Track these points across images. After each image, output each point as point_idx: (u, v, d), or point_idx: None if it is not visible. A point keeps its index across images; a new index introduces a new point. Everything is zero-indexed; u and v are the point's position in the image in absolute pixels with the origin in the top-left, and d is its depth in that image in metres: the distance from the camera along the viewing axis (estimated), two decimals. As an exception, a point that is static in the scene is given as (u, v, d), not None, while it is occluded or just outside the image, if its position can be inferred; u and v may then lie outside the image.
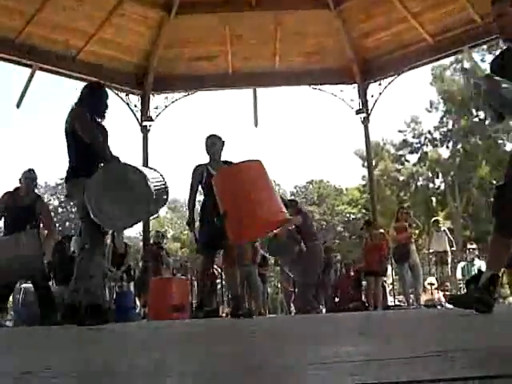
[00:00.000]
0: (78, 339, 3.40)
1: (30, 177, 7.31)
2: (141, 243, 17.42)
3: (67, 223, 40.19)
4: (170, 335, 3.48)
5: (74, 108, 5.20)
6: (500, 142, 31.45)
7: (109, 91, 12.12)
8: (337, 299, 11.61)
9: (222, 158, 6.72)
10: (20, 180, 7.25)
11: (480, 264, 12.56)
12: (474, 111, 32.07)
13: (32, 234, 6.76)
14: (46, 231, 7.46)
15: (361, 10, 11.99)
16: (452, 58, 28.75)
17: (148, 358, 1.73)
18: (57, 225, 36.53)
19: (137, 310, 10.98)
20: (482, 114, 32.11)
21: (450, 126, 32.70)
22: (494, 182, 29.73)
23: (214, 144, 6.68)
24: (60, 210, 42.11)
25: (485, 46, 27.79)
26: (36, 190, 7.64)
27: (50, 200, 41.65)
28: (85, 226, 5.14)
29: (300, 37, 12.46)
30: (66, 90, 72.57)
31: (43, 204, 7.63)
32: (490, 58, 30.72)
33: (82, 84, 12.07)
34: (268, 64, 12.84)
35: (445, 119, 32.80)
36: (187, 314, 9.25)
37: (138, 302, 11.26)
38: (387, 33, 12.16)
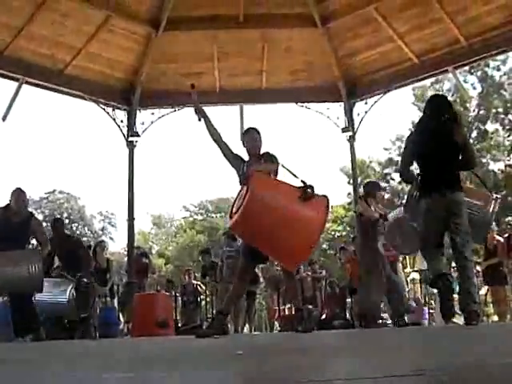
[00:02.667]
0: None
1: (21, 194, 7.34)
2: (125, 258, 17.38)
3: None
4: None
5: None
6: (484, 160, 31.66)
7: (95, 106, 12.26)
8: (322, 316, 11.60)
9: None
10: (10, 198, 7.24)
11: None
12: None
13: (37, 252, 6.91)
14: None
15: (348, 29, 12.10)
16: (433, 79, 29.03)
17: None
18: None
19: (120, 326, 10.91)
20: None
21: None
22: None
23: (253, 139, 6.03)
24: (44, 224, 41.78)
25: (466, 67, 28.16)
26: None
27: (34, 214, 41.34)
28: None
29: (287, 54, 12.54)
30: (53, 104, 72.57)
31: (37, 221, 7.63)
32: (472, 78, 31.14)
33: (70, 98, 12.19)
34: (255, 81, 12.89)
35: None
36: (171, 330, 9.21)
37: (121, 318, 11.20)
38: (373, 52, 12.27)
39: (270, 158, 5.71)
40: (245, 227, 5.27)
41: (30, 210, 7.68)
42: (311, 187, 5.22)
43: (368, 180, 7.81)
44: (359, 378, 1.47)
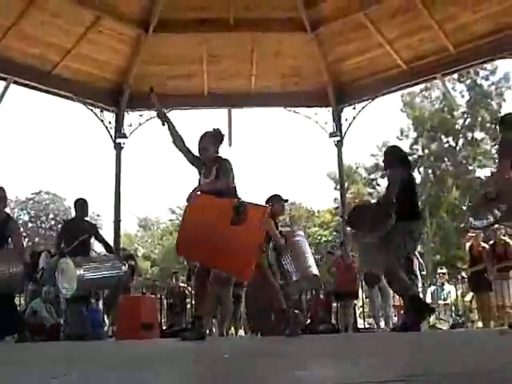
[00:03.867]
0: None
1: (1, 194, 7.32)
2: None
3: (37, 238, 39.68)
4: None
5: None
6: (470, 168, 31.89)
7: (83, 107, 12.22)
8: (307, 321, 11.60)
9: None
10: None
11: (449, 289, 12.68)
12: (443, 137, 32.54)
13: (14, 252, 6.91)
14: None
15: (337, 35, 12.13)
16: (422, 86, 29.22)
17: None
18: (26, 239, 36.15)
19: (105, 328, 10.86)
20: (452, 141, 32.60)
21: (420, 152, 33.09)
22: (464, 207, 30.13)
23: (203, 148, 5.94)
24: (30, 224, 41.56)
25: (455, 75, 28.38)
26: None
27: (20, 215, 41.16)
28: None
29: (276, 59, 12.55)
30: (40, 105, 72.26)
31: (15, 224, 7.52)
32: (460, 86, 31.34)
33: (57, 99, 12.13)
34: (244, 85, 12.90)
35: (416, 145, 33.20)
36: (156, 333, 9.18)
37: (106, 320, 11.15)
38: (362, 58, 12.31)
39: (224, 167, 5.66)
40: (187, 253, 5.64)
41: (7, 211, 7.51)
42: (241, 209, 5.25)
43: (271, 195, 7.84)
44: (346, 383, 1.47)
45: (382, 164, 7.31)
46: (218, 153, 5.86)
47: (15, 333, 6.89)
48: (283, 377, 1.68)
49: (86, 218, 8.52)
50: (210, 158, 5.77)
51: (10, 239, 7.26)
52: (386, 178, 7.06)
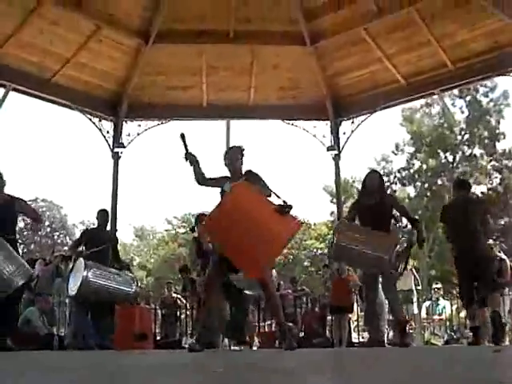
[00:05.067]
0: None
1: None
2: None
3: (32, 245, 39.57)
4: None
5: None
6: (466, 183, 31.88)
7: (82, 116, 12.23)
8: (301, 334, 11.57)
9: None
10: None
11: (444, 304, 12.67)
12: (441, 153, 32.59)
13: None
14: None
15: (336, 49, 12.18)
16: (422, 101, 29.31)
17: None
18: (22, 246, 36.02)
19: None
20: (449, 156, 32.67)
21: (417, 167, 33.12)
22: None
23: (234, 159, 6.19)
24: (26, 232, 41.46)
25: (456, 91, 28.50)
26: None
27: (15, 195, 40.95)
28: None
29: (275, 71, 12.60)
30: (39, 113, 72.24)
31: (22, 202, 7.28)
32: (460, 102, 31.45)
33: (56, 107, 12.14)
34: (242, 97, 12.94)
35: (413, 159, 33.24)
36: (150, 344, 9.15)
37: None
38: (361, 72, 12.37)
39: (255, 178, 5.80)
40: (218, 225, 5.49)
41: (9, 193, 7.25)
42: (289, 206, 5.40)
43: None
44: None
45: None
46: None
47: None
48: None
49: (107, 228, 8.89)
50: (238, 169, 5.96)
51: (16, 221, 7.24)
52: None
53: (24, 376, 2.51)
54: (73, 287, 7.57)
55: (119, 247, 9.42)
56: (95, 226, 8.99)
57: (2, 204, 6.93)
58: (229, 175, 6.00)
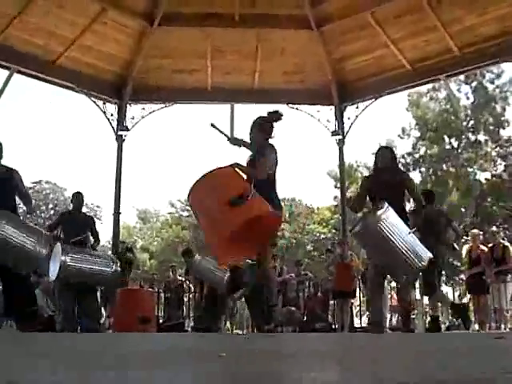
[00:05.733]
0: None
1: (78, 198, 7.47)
2: (109, 252, 17.28)
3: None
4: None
5: None
6: (470, 170, 31.83)
7: (86, 99, 12.20)
8: (304, 318, 11.61)
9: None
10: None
11: (447, 290, 12.70)
12: (446, 138, 32.49)
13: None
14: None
15: (342, 33, 12.13)
16: (429, 86, 29.15)
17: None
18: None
19: (102, 320, 10.86)
20: (454, 142, 32.56)
21: (422, 152, 33.04)
22: (463, 209, 30.10)
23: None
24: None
25: (462, 77, 28.34)
26: None
27: (20, 203, 41.05)
28: None
29: (281, 55, 12.55)
30: (43, 94, 72.17)
31: (18, 174, 6.79)
32: (466, 88, 31.30)
33: (60, 89, 12.10)
34: (247, 81, 12.90)
35: (418, 145, 33.14)
36: (153, 327, 9.18)
37: (103, 312, 11.15)
38: (367, 57, 12.32)
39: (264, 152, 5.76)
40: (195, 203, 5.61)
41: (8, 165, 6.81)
42: (241, 198, 5.20)
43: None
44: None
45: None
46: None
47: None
48: (284, 378, 1.68)
49: (82, 211, 8.72)
50: (255, 142, 6.04)
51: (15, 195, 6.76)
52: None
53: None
54: (53, 271, 7.58)
55: (122, 230, 9.45)
56: (70, 209, 8.92)
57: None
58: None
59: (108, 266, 8.02)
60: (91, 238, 8.40)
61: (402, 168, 33.47)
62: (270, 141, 5.96)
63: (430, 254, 6.18)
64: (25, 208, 7.27)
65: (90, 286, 8.16)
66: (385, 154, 6.86)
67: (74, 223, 8.16)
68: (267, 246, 5.79)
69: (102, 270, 7.93)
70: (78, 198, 8.61)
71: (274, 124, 6.03)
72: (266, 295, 5.81)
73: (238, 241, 5.21)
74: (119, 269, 8.28)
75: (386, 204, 5.91)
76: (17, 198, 6.77)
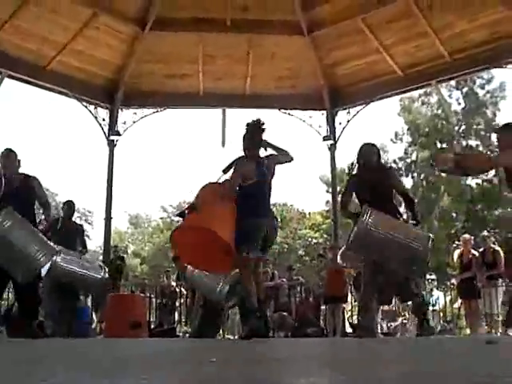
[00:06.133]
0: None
1: (9, 156, 6.62)
2: (100, 257, 17.25)
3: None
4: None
5: None
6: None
7: (77, 104, 12.18)
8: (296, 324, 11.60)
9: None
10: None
11: (438, 295, 12.73)
12: (438, 143, 32.61)
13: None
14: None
15: (334, 39, 12.16)
16: (421, 91, 29.29)
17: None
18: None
19: (93, 326, 10.83)
20: (445, 147, 32.65)
21: (414, 157, 33.14)
22: (454, 214, 30.21)
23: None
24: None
25: (453, 83, 28.49)
26: None
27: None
28: None
29: (272, 61, 12.57)
30: (34, 99, 71.95)
31: (37, 181, 6.76)
32: (457, 93, 31.45)
33: (51, 94, 12.08)
34: (239, 86, 12.91)
35: (410, 150, 33.25)
36: (145, 332, 9.16)
37: (94, 317, 11.11)
38: (358, 62, 12.36)
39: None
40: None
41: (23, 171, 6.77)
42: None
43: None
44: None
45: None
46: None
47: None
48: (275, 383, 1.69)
49: (72, 219, 8.96)
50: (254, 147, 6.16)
51: (35, 203, 6.76)
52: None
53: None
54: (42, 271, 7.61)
55: (114, 235, 9.50)
56: (61, 216, 8.98)
57: (18, 185, 6.51)
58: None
59: (97, 271, 8.06)
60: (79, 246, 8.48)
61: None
62: (256, 152, 6.08)
63: (428, 234, 6.18)
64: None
65: (77, 289, 8.19)
66: (369, 150, 6.57)
67: (64, 231, 8.24)
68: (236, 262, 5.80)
69: (91, 275, 7.96)
70: (69, 206, 8.79)
71: (251, 135, 6.09)
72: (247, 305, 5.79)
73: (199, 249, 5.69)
74: (107, 276, 8.35)
75: (365, 207, 5.89)
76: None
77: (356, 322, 9.65)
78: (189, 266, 8.32)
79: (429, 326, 6.93)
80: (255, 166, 5.86)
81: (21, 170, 6.71)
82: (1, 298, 6.83)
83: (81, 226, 9.45)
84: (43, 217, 6.92)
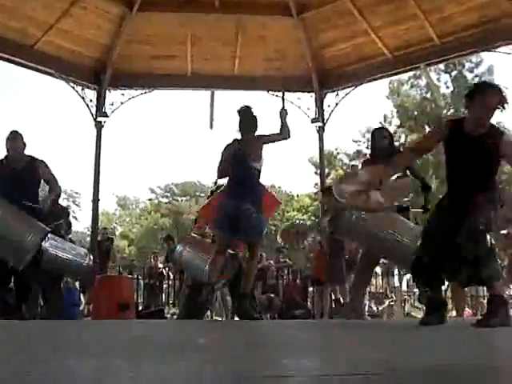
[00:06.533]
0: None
1: (16, 138, 6.73)
2: (88, 238, 17.23)
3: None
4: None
5: None
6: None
7: (65, 84, 12.07)
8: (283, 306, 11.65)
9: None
10: (7, 146, 6.95)
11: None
12: (426, 127, 32.69)
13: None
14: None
15: (323, 20, 12.09)
16: (410, 73, 29.28)
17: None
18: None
19: (81, 307, 10.83)
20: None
21: (402, 140, 33.21)
22: (440, 196, 30.32)
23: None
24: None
25: (442, 66, 28.52)
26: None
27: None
28: None
29: (261, 42, 12.49)
30: (21, 79, 71.33)
31: (42, 163, 6.80)
32: (445, 77, 31.50)
33: (39, 75, 11.97)
34: (227, 67, 12.83)
35: (398, 132, 33.31)
36: (133, 314, 9.17)
37: (82, 299, 11.12)
38: (347, 44, 12.30)
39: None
40: None
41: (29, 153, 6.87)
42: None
43: None
44: (321, 374, 1.47)
45: (364, 150, 6.95)
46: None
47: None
48: (253, 367, 1.69)
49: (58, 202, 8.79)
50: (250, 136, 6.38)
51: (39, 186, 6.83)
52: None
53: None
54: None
55: (101, 217, 9.50)
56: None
57: (23, 167, 6.59)
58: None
59: (82, 257, 8.05)
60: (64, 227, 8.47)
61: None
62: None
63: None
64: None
65: (60, 274, 8.19)
66: (381, 134, 6.76)
67: (50, 214, 8.19)
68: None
69: (75, 261, 7.95)
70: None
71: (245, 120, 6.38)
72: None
73: None
74: (92, 263, 8.36)
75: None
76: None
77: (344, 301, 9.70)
78: (177, 248, 8.42)
79: None
80: (234, 152, 6.15)
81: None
82: (7, 284, 6.73)
83: (66, 208, 9.42)
84: (53, 197, 6.88)
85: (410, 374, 1.48)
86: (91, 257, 8.40)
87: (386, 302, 12.94)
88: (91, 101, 12.46)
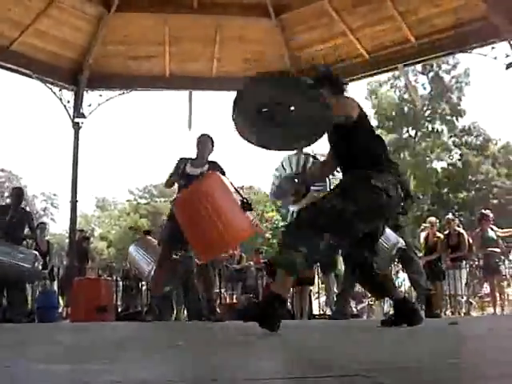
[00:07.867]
0: None
1: (20, 193, 8.87)
2: (66, 240, 17.11)
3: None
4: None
5: None
6: (427, 158, 32.32)
7: (42, 85, 11.98)
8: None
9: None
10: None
11: (404, 276, 12.88)
12: (404, 128, 32.93)
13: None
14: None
15: (300, 22, 12.12)
16: (389, 74, 29.48)
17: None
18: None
19: (59, 310, 10.76)
20: (411, 131, 33.00)
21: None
22: (420, 196, 30.59)
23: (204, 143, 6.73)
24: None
25: (419, 68, 28.78)
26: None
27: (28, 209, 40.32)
28: None
29: (239, 43, 12.49)
30: (-3, 80, 70.52)
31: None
32: (423, 78, 31.76)
33: (14, 76, 11.88)
34: (205, 68, 12.82)
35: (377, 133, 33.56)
36: (111, 316, 9.13)
37: (61, 302, 11.05)
38: (325, 46, 12.34)
39: (221, 170, 6.27)
40: (188, 206, 5.70)
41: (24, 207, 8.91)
42: (250, 204, 5.74)
43: None
44: (288, 377, 1.48)
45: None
46: None
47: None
48: (236, 366, 1.69)
49: (21, 206, 9.13)
50: (204, 157, 6.71)
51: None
52: None
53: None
54: None
55: (80, 218, 9.52)
56: (8, 203, 9.59)
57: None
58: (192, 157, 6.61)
59: (28, 262, 8.07)
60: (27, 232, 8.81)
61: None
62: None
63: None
64: None
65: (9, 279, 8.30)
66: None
67: (12, 218, 8.45)
68: None
69: (18, 266, 7.98)
70: (17, 194, 9.04)
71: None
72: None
73: None
74: (40, 267, 8.60)
75: None
76: None
77: (331, 304, 9.73)
78: (130, 249, 8.58)
79: None
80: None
81: None
82: None
83: (29, 212, 9.63)
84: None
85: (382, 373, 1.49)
86: (41, 260, 8.64)
87: (366, 302, 13.00)
88: (69, 102, 12.38)
